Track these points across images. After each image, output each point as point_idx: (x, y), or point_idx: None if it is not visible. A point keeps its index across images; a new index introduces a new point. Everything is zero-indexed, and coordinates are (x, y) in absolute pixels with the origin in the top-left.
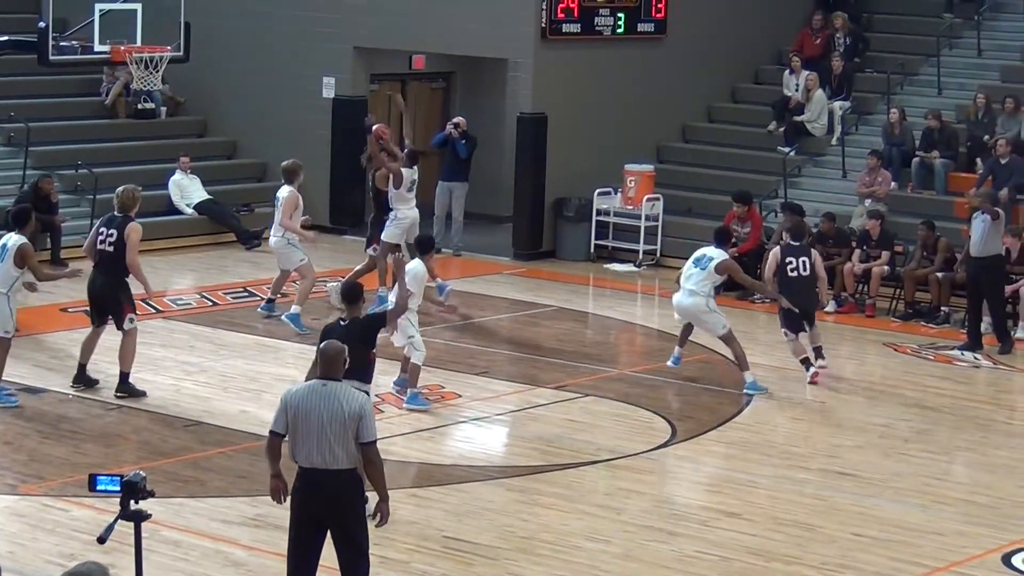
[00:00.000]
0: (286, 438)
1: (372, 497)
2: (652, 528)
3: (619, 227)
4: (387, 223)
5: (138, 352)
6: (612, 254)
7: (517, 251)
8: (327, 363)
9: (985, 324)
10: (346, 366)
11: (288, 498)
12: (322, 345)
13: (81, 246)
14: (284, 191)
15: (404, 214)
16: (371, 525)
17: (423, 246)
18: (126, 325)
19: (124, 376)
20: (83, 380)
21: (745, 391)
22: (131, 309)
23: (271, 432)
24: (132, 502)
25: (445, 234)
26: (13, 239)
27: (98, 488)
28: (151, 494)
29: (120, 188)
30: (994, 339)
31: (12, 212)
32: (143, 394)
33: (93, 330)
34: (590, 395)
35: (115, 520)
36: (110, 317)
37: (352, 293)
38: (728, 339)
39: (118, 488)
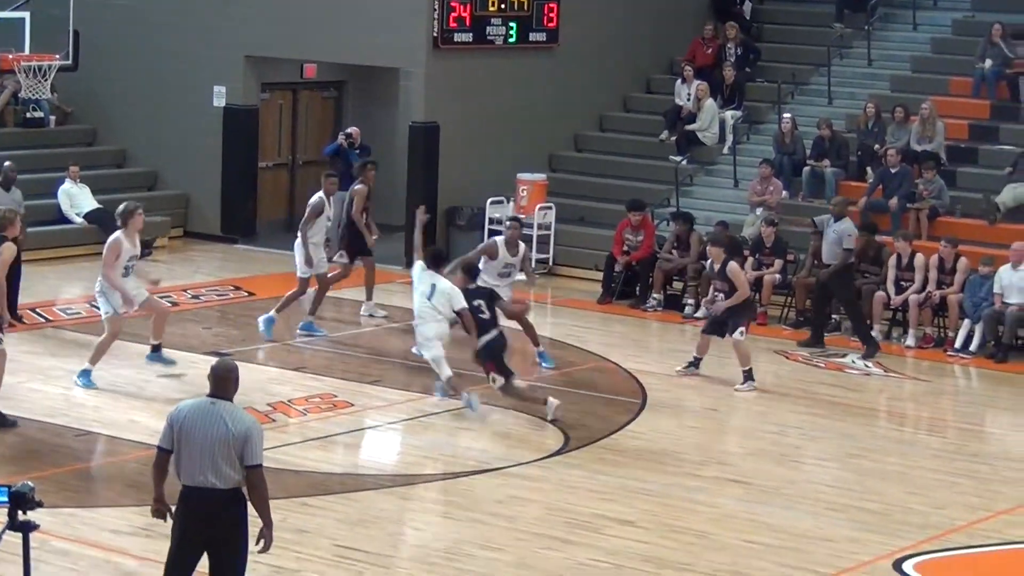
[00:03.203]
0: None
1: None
2: (545, 536)
3: None
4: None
5: (27, 361)
6: None
7: (409, 261)
8: (217, 381)
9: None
10: (237, 386)
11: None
12: (214, 362)
13: None
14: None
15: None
16: (255, 549)
17: (437, 260)
18: None
19: None
20: None
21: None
22: None
23: (158, 448)
24: (20, 512)
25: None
26: None
27: None
28: (39, 504)
29: None
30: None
31: None
32: (14, 424)
33: None
34: (484, 404)
35: (2, 531)
36: None
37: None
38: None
39: (5, 499)
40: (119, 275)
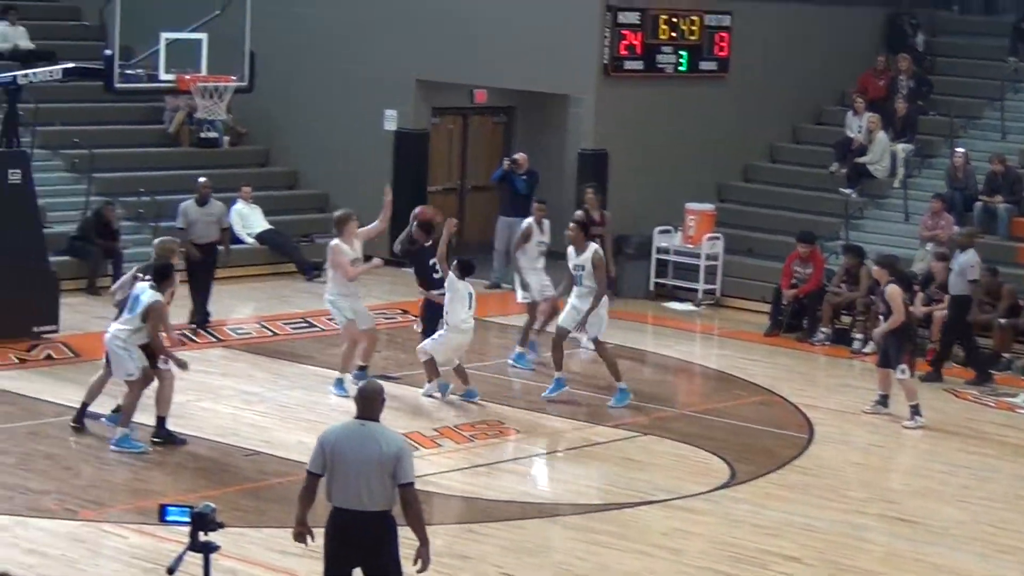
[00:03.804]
0: (323, 478)
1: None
2: (710, 570)
3: (679, 266)
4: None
5: (198, 380)
6: (671, 292)
7: None
8: (365, 403)
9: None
10: (383, 407)
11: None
12: (360, 384)
13: None
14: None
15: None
16: (413, 570)
17: (465, 270)
18: (160, 365)
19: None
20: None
21: None
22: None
23: (308, 472)
24: (201, 533)
25: (505, 269)
26: (148, 294)
27: (168, 519)
28: (220, 526)
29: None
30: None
31: (155, 267)
32: (183, 443)
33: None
34: (648, 434)
35: (184, 551)
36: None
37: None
38: None
39: (188, 519)
40: (356, 271)
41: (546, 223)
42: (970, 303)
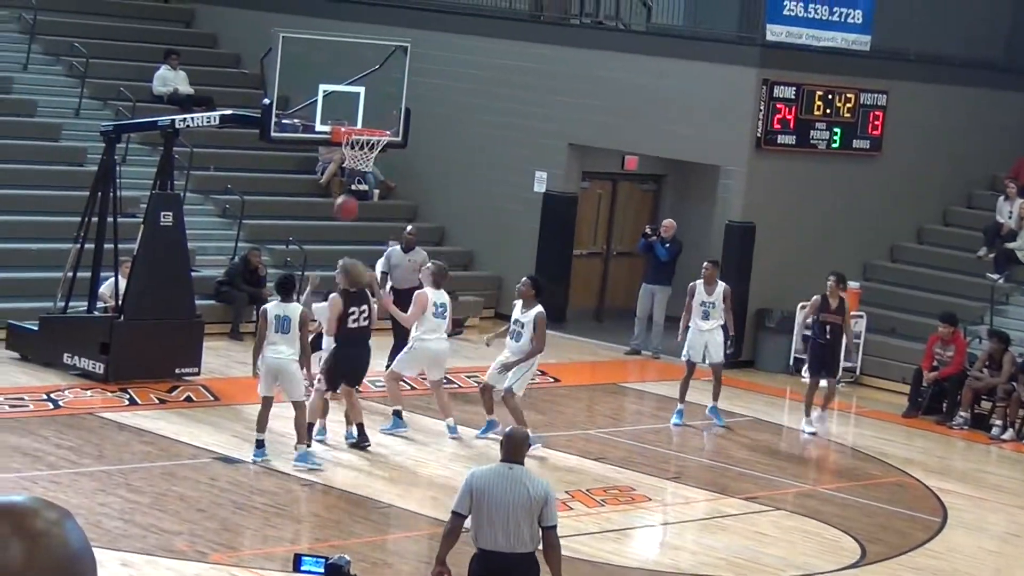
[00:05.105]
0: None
1: None
2: None
3: None
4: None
5: (331, 429)
6: None
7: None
8: (513, 447)
9: None
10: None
11: None
12: (508, 430)
13: None
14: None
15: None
16: None
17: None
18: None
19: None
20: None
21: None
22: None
23: (454, 513)
24: None
25: (645, 336)
26: (293, 307)
27: (302, 568)
28: None
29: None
30: None
31: (277, 281)
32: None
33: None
34: (780, 509)
35: None
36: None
37: None
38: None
39: (322, 570)
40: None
41: (719, 285)
42: None
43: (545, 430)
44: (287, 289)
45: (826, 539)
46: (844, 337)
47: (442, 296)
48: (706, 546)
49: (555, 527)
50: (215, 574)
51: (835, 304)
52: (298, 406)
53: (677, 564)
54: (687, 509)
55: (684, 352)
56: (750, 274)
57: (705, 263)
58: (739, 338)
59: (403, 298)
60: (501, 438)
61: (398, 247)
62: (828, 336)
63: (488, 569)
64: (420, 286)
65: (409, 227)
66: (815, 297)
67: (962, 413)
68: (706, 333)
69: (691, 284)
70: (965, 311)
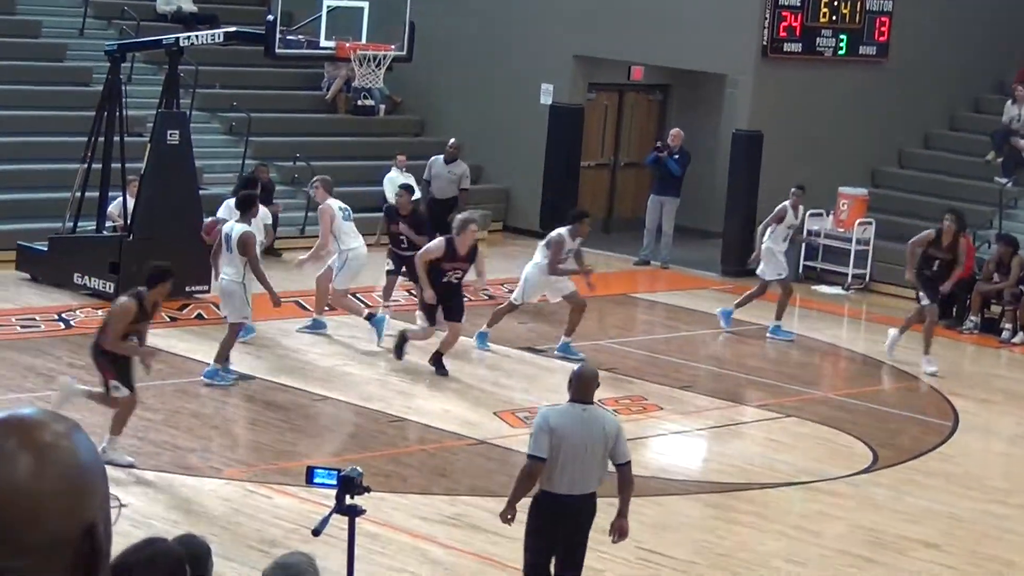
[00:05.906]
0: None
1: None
2: (849, 554)
3: (829, 249)
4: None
5: (347, 345)
6: (820, 276)
7: (725, 267)
8: (584, 386)
9: None
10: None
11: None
12: (578, 368)
13: (295, 238)
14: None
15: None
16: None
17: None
18: None
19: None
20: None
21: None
22: None
23: (534, 457)
24: (348, 497)
25: (655, 247)
26: (236, 228)
27: (315, 481)
28: (367, 490)
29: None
30: None
31: (238, 198)
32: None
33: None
34: (792, 416)
35: (330, 514)
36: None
37: None
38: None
39: (335, 482)
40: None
41: (800, 208)
42: None
43: (555, 342)
44: (242, 206)
45: (838, 445)
46: (950, 278)
47: (339, 202)
48: (719, 453)
49: (629, 463)
50: (230, 489)
51: (947, 242)
52: (230, 327)
53: (689, 472)
54: (699, 418)
55: (776, 272)
56: (758, 183)
57: (794, 188)
58: (748, 247)
59: (441, 208)
60: (570, 376)
61: (440, 158)
62: (935, 269)
63: (554, 512)
64: (457, 199)
65: (452, 140)
66: (929, 231)
67: (972, 317)
68: (785, 254)
69: (781, 206)
70: (973, 216)
